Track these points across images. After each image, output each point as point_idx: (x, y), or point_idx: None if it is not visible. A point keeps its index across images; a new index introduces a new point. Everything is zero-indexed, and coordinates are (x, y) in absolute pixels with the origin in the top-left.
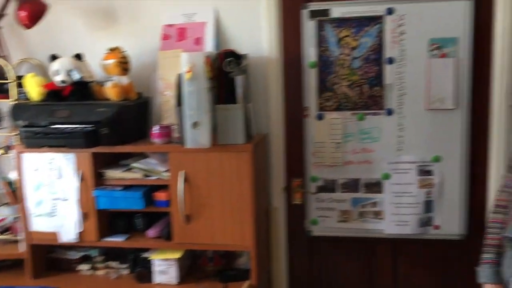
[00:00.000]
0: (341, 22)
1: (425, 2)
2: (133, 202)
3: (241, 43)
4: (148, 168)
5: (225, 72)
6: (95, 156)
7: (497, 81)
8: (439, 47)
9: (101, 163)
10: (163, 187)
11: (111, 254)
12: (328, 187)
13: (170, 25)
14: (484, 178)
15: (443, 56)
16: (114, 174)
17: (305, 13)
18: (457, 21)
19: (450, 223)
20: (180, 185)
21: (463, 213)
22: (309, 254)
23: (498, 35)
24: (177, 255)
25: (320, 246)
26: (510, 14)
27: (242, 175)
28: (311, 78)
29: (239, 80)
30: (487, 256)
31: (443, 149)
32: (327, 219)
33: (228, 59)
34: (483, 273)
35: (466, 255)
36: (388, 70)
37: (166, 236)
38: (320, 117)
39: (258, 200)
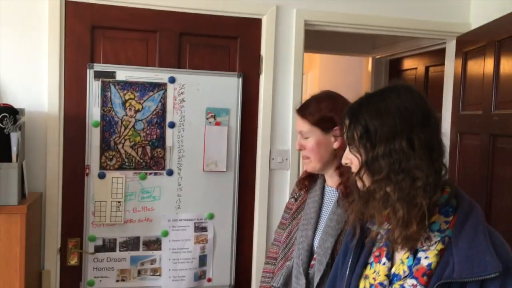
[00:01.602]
0: (126, 85)
1: (203, 74)
2: None
3: (18, 97)
4: None
5: None
6: None
7: (260, 148)
8: (214, 115)
9: None
10: None
11: None
12: (107, 246)
13: None
14: (251, 232)
15: (218, 124)
16: None
17: (90, 72)
18: (229, 94)
19: (221, 274)
20: None
21: (232, 265)
22: None
23: (262, 108)
24: None
25: None
26: (271, 90)
27: (12, 239)
28: (94, 137)
29: (14, 136)
30: None
31: (216, 207)
32: (104, 279)
33: (2, 114)
34: None
35: None
36: (170, 133)
37: None
38: (102, 176)
39: (29, 264)
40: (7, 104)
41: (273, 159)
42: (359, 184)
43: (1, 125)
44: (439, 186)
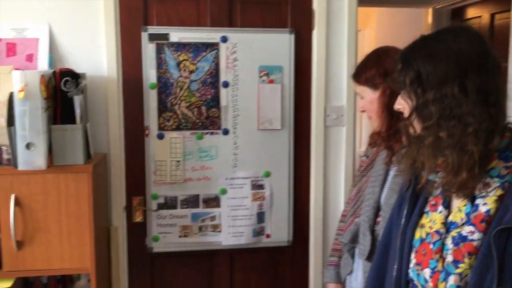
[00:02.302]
0: (180, 46)
1: (255, 32)
2: None
3: (78, 62)
4: None
5: (62, 92)
6: None
7: (315, 105)
8: (267, 74)
9: None
10: None
11: None
12: (169, 204)
13: None
14: (308, 190)
15: (271, 82)
16: None
17: (145, 35)
18: (282, 51)
19: (279, 231)
20: (11, 209)
21: (290, 222)
22: (150, 271)
23: (315, 64)
24: (7, 284)
25: (162, 262)
26: (324, 47)
27: (81, 196)
28: (151, 99)
29: (77, 100)
30: (331, 259)
31: (272, 165)
32: (168, 235)
33: (65, 78)
34: (327, 273)
35: (292, 259)
36: (224, 93)
37: None
38: (160, 137)
39: (97, 220)
40: (69, 68)
41: (328, 115)
42: (411, 130)
43: (65, 89)
44: (496, 132)
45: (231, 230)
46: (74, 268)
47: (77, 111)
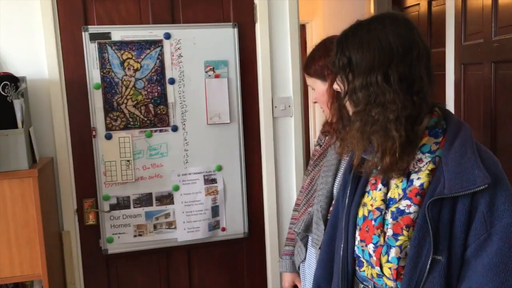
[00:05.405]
0: (123, 45)
1: (198, 28)
2: None
3: (17, 65)
4: None
5: (1, 96)
6: None
7: (262, 97)
8: (213, 68)
9: None
10: None
11: None
12: (122, 204)
13: None
14: (260, 181)
15: (217, 76)
16: None
17: (86, 35)
18: (226, 45)
19: (235, 224)
20: None
21: (245, 213)
22: (106, 273)
23: (260, 57)
24: None
25: (118, 263)
26: (268, 39)
27: (27, 201)
28: (96, 99)
29: (17, 104)
30: (286, 248)
31: (224, 158)
32: (122, 236)
33: (4, 82)
34: (282, 263)
35: (249, 251)
36: (170, 90)
37: None
38: (108, 137)
39: (47, 225)
40: (7, 72)
41: (275, 107)
42: (345, 112)
43: (3, 93)
44: (423, 116)
45: (187, 226)
46: (26, 275)
47: (18, 115)
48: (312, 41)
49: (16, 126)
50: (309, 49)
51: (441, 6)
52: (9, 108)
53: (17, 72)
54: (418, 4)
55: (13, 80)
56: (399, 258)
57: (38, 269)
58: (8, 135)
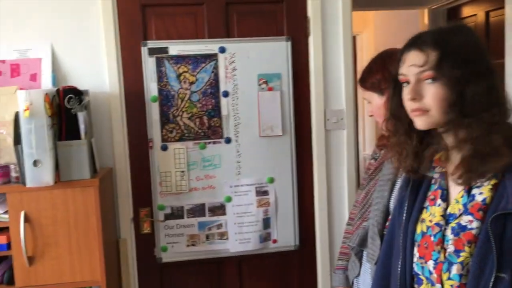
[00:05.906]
0: (179, 59)
1: (252, 42)
2: None
3: (81, 79)
4: None
5: (66, 109)
6: None
7: (314, 110)
8: (266, 81)
9: None
10: (2, 230)
11: None
12: (176, 214)
13: (2, 61)
14: (311, 193)
15: (270, 89)
16: None
17: (144, 50)
18: (279, 58)
19: (286, 236)
20: (21, 226)
21: (296, 226)
22: (160, 281)
23: (313, 70)
24: None
25: (171, 271)
26: (321, 52)
27: (88, 210)
28: (153, 112)
29: (81, 116)
30: (339, 263)
31: (276, 171)
32: (176, 245)
33: (69, 95)
34: (335, 277)
35: (299, 263)
36: (224, 102)
37: (7, 280)
38: (164, 148)
39: (106, 233)
40: (72, 86)
41: (328, 120)
42: None
43: (68, 106)
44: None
45: (238, 237)
46: (85, 280)
47: (82, 126)
48: (363, 53)
49: (79, 137)
50: (359, 61)
51: (500, 17)
52: (73, 120)
53: (81, 86)
54: (475, 14)
55: (77, 93)
56: (461, 275)
57: (97, 275)
58: (72, 146)
